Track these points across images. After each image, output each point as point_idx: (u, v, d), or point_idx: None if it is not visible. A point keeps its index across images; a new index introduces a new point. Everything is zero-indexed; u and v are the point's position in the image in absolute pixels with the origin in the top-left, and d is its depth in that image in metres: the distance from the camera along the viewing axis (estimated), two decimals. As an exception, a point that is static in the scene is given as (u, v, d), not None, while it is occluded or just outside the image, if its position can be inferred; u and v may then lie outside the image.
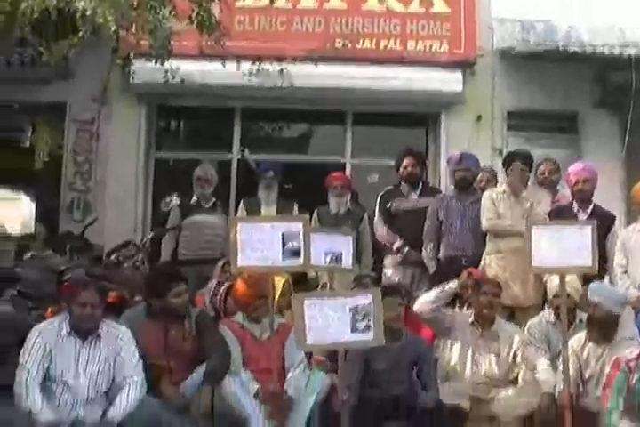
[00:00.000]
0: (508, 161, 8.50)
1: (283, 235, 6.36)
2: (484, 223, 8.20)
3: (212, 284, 7.95)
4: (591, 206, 8.21)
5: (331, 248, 7.26)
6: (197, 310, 6.77)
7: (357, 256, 8.45)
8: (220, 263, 8.21)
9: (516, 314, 8.00)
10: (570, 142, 11.69)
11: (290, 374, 6.37)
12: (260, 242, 6.34)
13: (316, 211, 9.05)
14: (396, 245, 8.82)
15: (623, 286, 7.71)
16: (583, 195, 8.22)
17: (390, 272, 8.92)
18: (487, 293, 7.19)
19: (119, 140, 11.27)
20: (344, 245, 7.36)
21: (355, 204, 9.33)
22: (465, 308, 7.52)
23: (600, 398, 6.01)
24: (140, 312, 6.54)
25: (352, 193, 9.41)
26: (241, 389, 6.09)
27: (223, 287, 7.65)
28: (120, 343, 5.81)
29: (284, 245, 6.34)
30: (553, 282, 7.08)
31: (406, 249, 8.78)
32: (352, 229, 8.36)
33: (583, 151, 11.50)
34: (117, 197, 11.04)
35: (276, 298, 6.75)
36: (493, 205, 8.19)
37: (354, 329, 5.84)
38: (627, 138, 10.61)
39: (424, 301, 7.17)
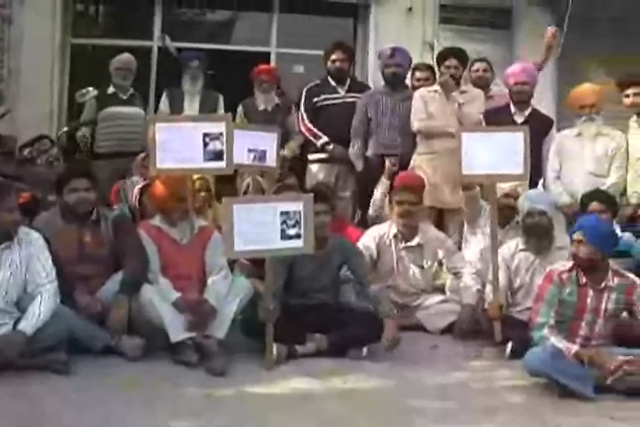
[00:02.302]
0: (442, 58, 8.20)
1: (204, 135, 6.10)
2: (415, 124, 8.01)
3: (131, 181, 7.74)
4: (529, 109, 8.12)
5: (254, 145, 7.11)
6: (114, 212, 6.45)
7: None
8: (140, 157, 7.99)
9: (444, 215, 7.98)
10: (503, 38, 11.49)
11: (210, 280, 6.11)
12: (181, 143, 6.10)
13: (241, 105, 8.84)
14: (321, 141, 8.54)
15: (555, 191, 7.64)
16: (521, 97, 8.10)
17: (315, 169, 8.69)
18: (403, 202, 7.00)
19: (33, 25, 10.63)
20: (268, 142, 7.21)
21: (282, 97, 9.07)
22: None
23: (530, 308, 5.94)
24: (55, 215, 6.17)
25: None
26: (159, 297, 5.81)
27: (137, 187, 7.37)
28: (32, 250, 5.45)
29: (205, 146, 6.10)
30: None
31: (332, 146, 8.51)
32: (280, 124, 8.27)
33: (516, 48, 11.34)
34: (31, 87, 10.47)
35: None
36: (424, 104, 7.98)
37: (284, 236, 5.70)
38: (562, 37, 10.30)
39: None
